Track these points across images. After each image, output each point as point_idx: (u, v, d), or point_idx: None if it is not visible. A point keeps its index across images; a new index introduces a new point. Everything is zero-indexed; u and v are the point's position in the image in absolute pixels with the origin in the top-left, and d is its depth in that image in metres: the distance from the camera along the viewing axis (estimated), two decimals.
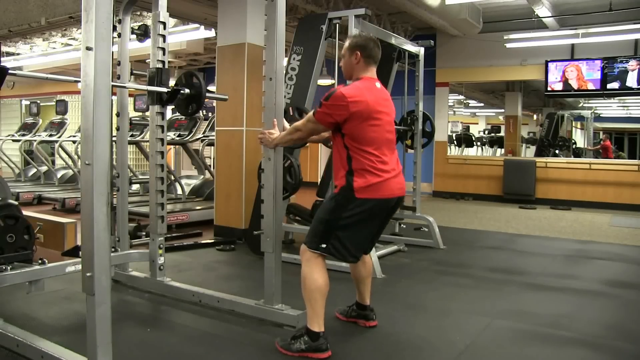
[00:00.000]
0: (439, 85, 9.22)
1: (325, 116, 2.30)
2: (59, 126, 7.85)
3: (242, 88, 4.78)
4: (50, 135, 7.80)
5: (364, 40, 2.43)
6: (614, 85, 7.66)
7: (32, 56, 9.16)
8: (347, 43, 2.47)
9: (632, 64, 7.50)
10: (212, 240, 4.86)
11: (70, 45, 8.30)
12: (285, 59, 3.59)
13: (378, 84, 2.42)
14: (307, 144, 4.22)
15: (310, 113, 2.39)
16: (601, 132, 16.27)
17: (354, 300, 2.74)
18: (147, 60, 3.08)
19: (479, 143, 12.73)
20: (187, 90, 2.83)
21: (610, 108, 14.62)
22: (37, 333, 2.26)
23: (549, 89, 8.17)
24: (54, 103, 8.45)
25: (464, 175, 9.06)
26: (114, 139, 3.16)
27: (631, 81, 7.53)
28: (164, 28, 2.99)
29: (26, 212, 3.77)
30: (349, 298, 2.80)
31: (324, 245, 2.30)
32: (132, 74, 3.29)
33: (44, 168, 8.50)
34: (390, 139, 2.38)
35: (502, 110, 12.99)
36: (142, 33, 3.20)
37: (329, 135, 2.60)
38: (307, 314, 2.32)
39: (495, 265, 4.21)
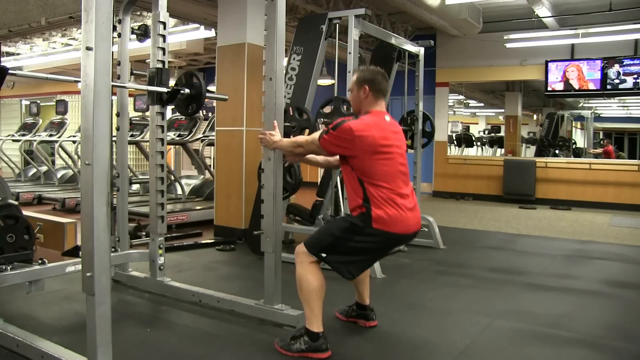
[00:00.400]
0: (439, 85, 9.22)
1: (330, 145, 2.31)
2: (59, 126, 7.84)
3: (242, 88, 4.78)
4: (50, 135, 7.80)
5: (372, 74, 2.41)
6: (615, 85, 7.66)
7: (32, 56, 9.16)
8: (354, 77, 2.46)
9: (633, 63, 7.51)
10: (212, 240, 4.86)
11: (70, 45, 8.30)
12: (285, 59, 3.59)
13: (387, 117, 2.40)
14: None
15: (316, 135, 2.38)
16: (601, 132, 16.27)
17: (353, 300, 2.73)
18: (147, 60, 3.08)
19: (479, 143, 12.72)
20: (187, 90, 2.82)
21: (610, 108, 14.62)
22: (37, 333, 2.26)
23: (549, 88, 8.17)
24: (54, 103, 8.44)
25: (464, 175, 9.06)
26: (114, 139, 3.16)
27: (631, 81, 7.54)
28: (164, 28, 2.99)
29: (26, 212, 3.77)
30: (348, 298, 2.80)
31: (324, 255, 2.29)
32: (132, 74, 3.29)
33: (44, 168, 8.49)
34: (403, 171, 2.35)
35: (502, 110, 12.99)
36: (142, 33, 3.20)
37: (336, 162, 2.59)
38: (305, 315, 2.32)
39: (495, 265, 4.21)
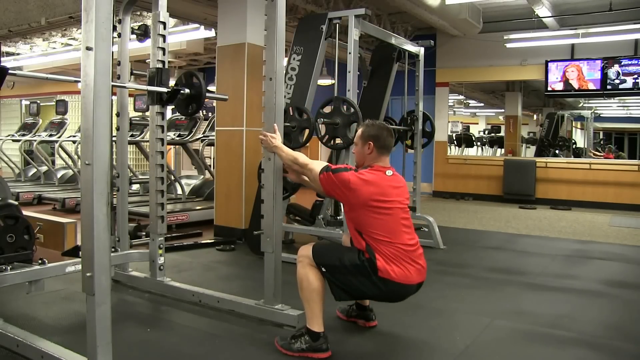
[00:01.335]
0: (439, 85, 9.22)
1: (326, 185, 2.33)
2: (59, 126, 7.85)
3: (242, 88, 4.78)
4: (50, 135, 7.80)
5: (378, 130, 2.40)
6: (615, 85, 7.66)
7: (32, 56, 9.16)
8: (359, 131, 2.45)
9: (633, 63, 7.52)
10: (212, 240, 4.86)
11: (70, 45, 8.30)
12: (285, 59, 3.59)
13: (389, 172, 2.37)
14: (307, 145, 4.22)
15: (317, 167, 2.38)
16: (601, 132, 16.25)
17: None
18: (147, 60, 3.08)
19: (479, 143, 12.72)
20: (187, 90, 2.82)
21: (610, 108, 14.62)
22: (37, 333, 2.26)
23: (549, 88, 8.17)
24: (54, 103, 8.44)
25: (464, 175, 9.06)
26: (114, 139, 3.16)
27: (631, 81, 7.54)
28: (164, 28, 2.99)
29: (26, 212, 3.77)
30: None
31: (324, 270, 2.29)
32: (132, 74, 3.29)
33: (44, 168, 8.49)
34: (406, 224, 2.33)
35: (502, 110, 12.99)
36: (142, 33, 3.20)
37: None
38: (306, 315, 2.32)
39: (495, 265, 4.21)
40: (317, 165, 2.40)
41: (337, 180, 2.29)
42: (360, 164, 2.47)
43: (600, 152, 12.30)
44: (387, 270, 2.22)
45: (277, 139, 2.59)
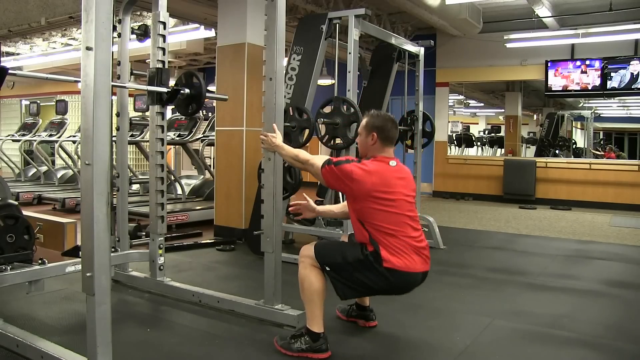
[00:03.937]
0: (439, 85, 9.22)
1: (329, 178, 2.30)
2: (59, 126, 7.85)
3: (242, 88, 4.78)
4: (50, 135, 7.80)
5: (382, 121, 2.36)
6: (614, 84, 7.66)
7: (32, 56, 9.16)
8: (364, 121, 2.41)
9: (633, 63, 7.51)
10: (212, 240, 4.86)
11: (70, 45, 8.30)
12: (285, 59, 3.59)
13: (393, 162, 2.34)
14: (308, 145, 4.23)
15: (318, 162, 2.35)
16: (601, 132, 16.24)
17: (354, 300, 2.73)
18: (147, 60, 3.08)
19: (479, 143, 12.72)
20: (187, 90, 2.82)
21: (610, 108, 14.61)
22: (37, 333, 2.26)
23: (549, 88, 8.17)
24: (54, 103, 8.45)
25: (464, 175, 9.06)
26: (114, 139, 3.16)
27: (631, 81, 7.54)
28: (164, 28, 2.99)
29: (26, 212, 3.77)
30: None
31: (328, 269, 2.28)
32: (132, 74, 3.29)
33: (44, 168, 8.50)
34: (412, 216, 2.30)
35: (502, 110, 12.99)
36: (142, 33, 3.20)
37: (339, 212, 2.67)
38: (306, 315, 2.32)
39: (495, 265, 4.20)
40: (319, 159, 2.38)
41: (340, 172, 2.26)
42: (363, 154, 2.45)
43: (600, 152, 12.29)
44: (391, 261, 2.21)
45: (278, 138, 2.59)
